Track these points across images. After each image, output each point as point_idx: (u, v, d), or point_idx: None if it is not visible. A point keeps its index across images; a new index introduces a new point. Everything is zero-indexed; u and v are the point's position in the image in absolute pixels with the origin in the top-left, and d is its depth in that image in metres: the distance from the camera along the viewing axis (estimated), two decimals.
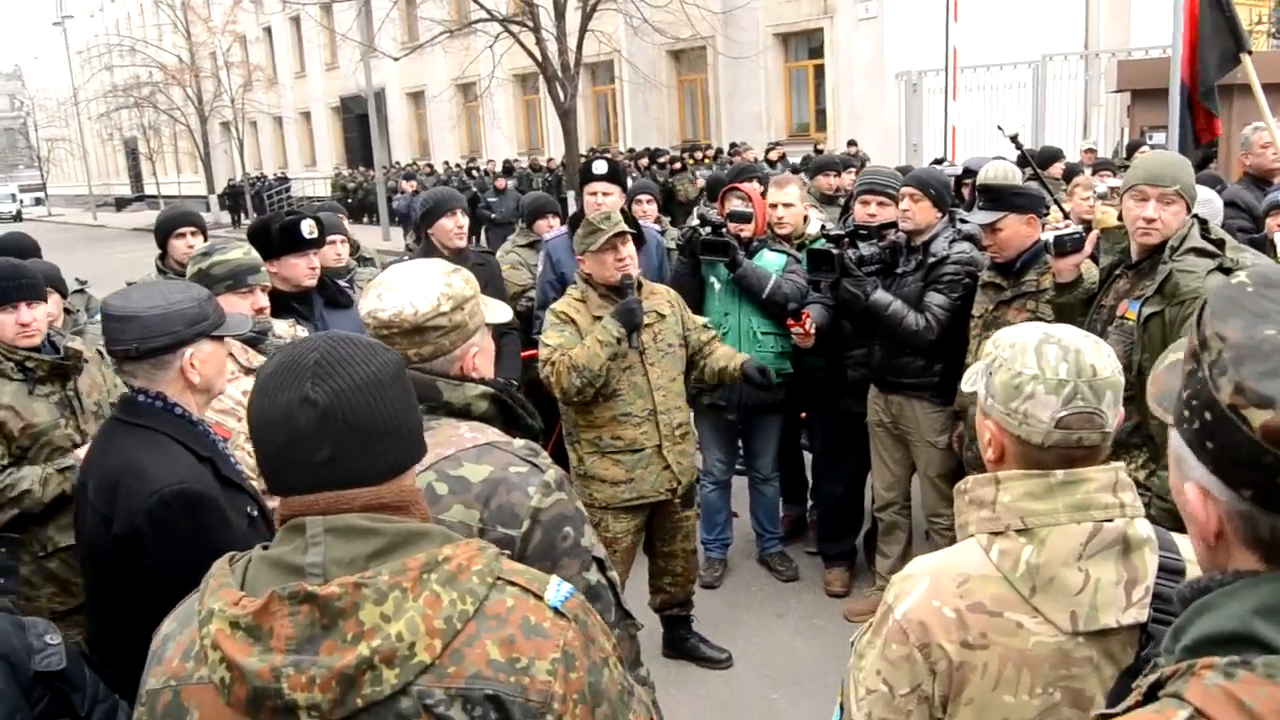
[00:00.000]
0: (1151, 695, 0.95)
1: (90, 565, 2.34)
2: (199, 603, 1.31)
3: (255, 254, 3.31)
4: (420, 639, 1.22)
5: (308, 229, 3.83)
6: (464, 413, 1.94)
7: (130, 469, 2.23)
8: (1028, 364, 1.59)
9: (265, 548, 1.35)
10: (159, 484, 2.19)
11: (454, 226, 5.05)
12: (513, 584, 1.32)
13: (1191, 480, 0.98)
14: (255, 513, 2.43)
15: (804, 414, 5.57)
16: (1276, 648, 0.87)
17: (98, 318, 4.77)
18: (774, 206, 5.18)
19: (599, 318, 4.01)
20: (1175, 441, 1.01)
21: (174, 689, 1.30)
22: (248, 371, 3.08)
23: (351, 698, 1.20)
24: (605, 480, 4.10)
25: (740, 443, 5.40)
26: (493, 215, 15.98)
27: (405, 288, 1.96)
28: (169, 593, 2.15)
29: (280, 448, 1.30)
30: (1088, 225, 4.72)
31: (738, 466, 5.46)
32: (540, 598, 1.33)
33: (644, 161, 20.35)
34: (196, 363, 2.35)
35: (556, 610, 1.33)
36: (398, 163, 30.44)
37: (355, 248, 6.25)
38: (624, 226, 3.98)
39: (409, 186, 22.31)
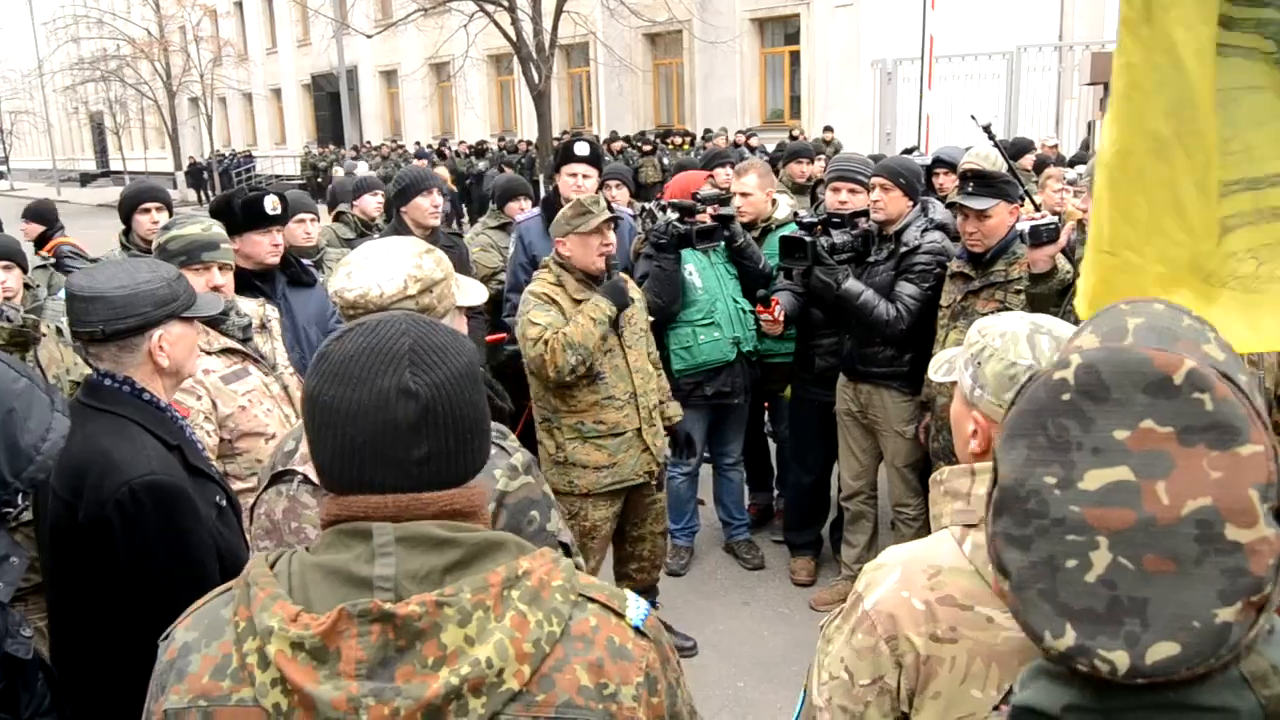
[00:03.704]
0: None
1: (51, 549, 2.29)
2: (234, 612, 1.17)
3: (216, 230, 3.20)
4: (509, 665, 1.12)
5: (270, 205, 3.76)
6: None
7: (97, 457, 2.17)
8: (1022, 354, 1.57)
9: (308, 549, 1.21)
10: (128, 474, 2.14)
11: (429, 205, 4.99)
12: (593, 600, 1.24)
13: None
14: (224, 502, 2.37)
15: (767, 403, 5.57)
16: None
17: (59, 295, 4.68)
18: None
19: (578, 301, 3.97)
20: None
21: (204, 710, 1.15)
22: (206, 352, 3.01)
23: None
24: (588, 466, 4.06)
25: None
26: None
27: (373, 268, 1.93)
28: (136, 583, 2.15)
29: (366, 441, 1.16)
30: (1059, 217, 4.72)
31: (704, 454, 5.44)
32: (622, 616, 1.25)
33: (617, 145, 20.26)
34: (166, 345, 2.28)
35: (638, 630, 1.25)
36: (369, 142, 30.15)
37: (367, 225, 6.17)
38: (611, 212, 3.97)
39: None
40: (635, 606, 1.27)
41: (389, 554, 1.15)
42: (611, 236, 4.01)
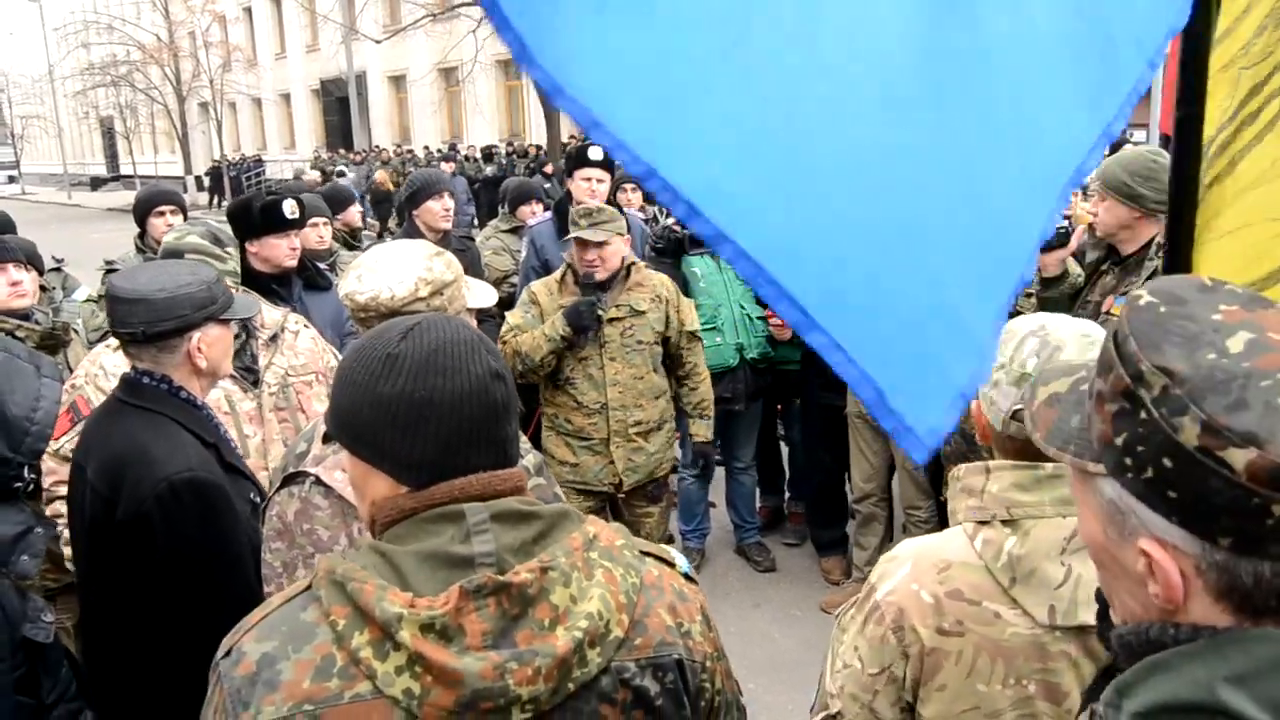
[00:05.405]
0: None
1: (88, 546, 2.31)
2: (324, 613, 1.17)
3: (190, 240, 3.18)
4: (613, 615, 1.22)
5: (289, 209, 3.79)
6: None
7: (136, 453, 2.19)
8: (1003, 352, 1.60)
9: (385, 541, 1.24)
10: (168, 471, 2.16)
11: (441, 209, 5.01)
12: (648, 555, 1.36)
13: (1146, 536, 0.89)
14: (257, 499, 2.39)
15: (780, 406, 5.59)
16: (1247, 718, 0.77)
17: (74, 296, 4.72)
18: None
19: (564, 306, 4.05)
20: (1113, 493, 0.91)
21: (311, 714, 1.13)
22: None
23: (565, 683, 1.18)
24: (555, 459, 4.22)
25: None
26: None
27: (384, 271, 1.96)
28: (174, 578, 2.17)
29: (473, 425, 1.24)
30: (1069, 220, 4.73)
31: (716, 458, 5.45)
32: (672, 565, 1.38)
33: None
34: (204, 346, 2.31)
35: (687, 576, 1.40)
36: (378, 146, 30.25)
37: (351, 234, 6.00)
38: (601, 232, 3.98)
39: (382, 178, 21.02)
40: (680, 558, 1.42)
41: (486, 531, 1.21)
42: (597, 253, 4.02)
